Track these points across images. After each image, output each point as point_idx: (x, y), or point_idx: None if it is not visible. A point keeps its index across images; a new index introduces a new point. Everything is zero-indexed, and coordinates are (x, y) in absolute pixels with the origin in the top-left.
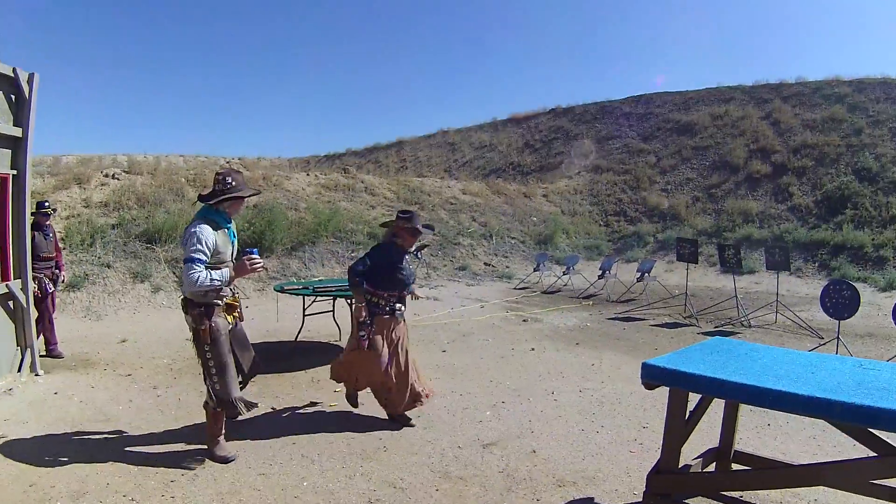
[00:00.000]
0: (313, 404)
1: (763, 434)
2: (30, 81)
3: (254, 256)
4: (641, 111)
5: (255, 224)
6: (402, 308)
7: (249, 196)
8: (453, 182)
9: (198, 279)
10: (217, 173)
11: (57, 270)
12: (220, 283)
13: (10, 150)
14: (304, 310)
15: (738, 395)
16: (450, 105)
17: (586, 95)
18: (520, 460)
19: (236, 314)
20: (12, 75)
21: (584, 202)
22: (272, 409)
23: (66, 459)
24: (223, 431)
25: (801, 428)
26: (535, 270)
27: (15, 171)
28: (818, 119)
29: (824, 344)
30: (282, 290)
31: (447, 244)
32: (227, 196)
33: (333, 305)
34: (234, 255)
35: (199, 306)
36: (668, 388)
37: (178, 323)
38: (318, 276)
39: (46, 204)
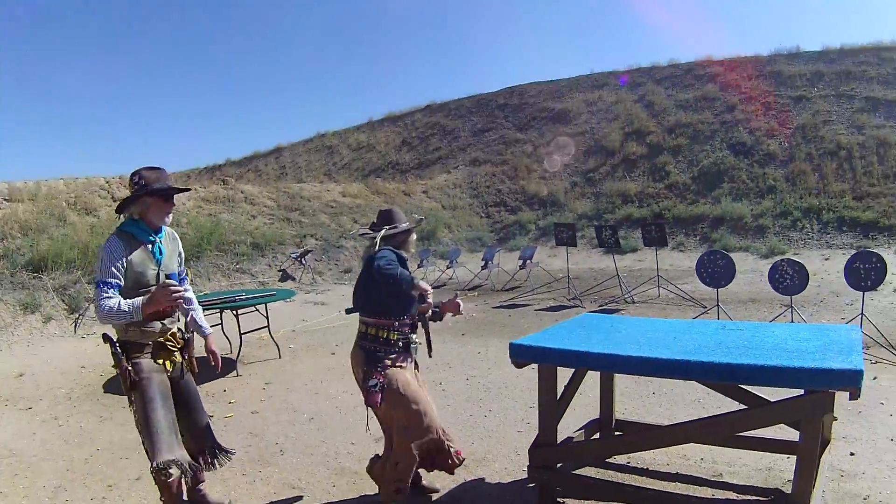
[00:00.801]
0: (210, 417)
1: (648, 402)
2: None
3: (171, 283)
4: (516, 102)
5: None
6: (416, 339)
7: (168, 193)
8: (332, 185)
9: (104, 307)
10: (132, 174)
11: None
12: (126, 314)
13: None
14: None
15: (601, 364)
16: (327, 107)
17: (461, 90)
18: None
19: (177, 360)
20: None
21: (464, 195)
22: None
23: None
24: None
25: (685, 393)
26: (419, 267)
27: None
28: (691, 99)
29: (706, 312)
30: None
31: (330, 248)
32: (136, 196)
33: (221, 318)
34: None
35: (115, 343)
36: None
37: (72, 351)
38: (204, 291)
39: None
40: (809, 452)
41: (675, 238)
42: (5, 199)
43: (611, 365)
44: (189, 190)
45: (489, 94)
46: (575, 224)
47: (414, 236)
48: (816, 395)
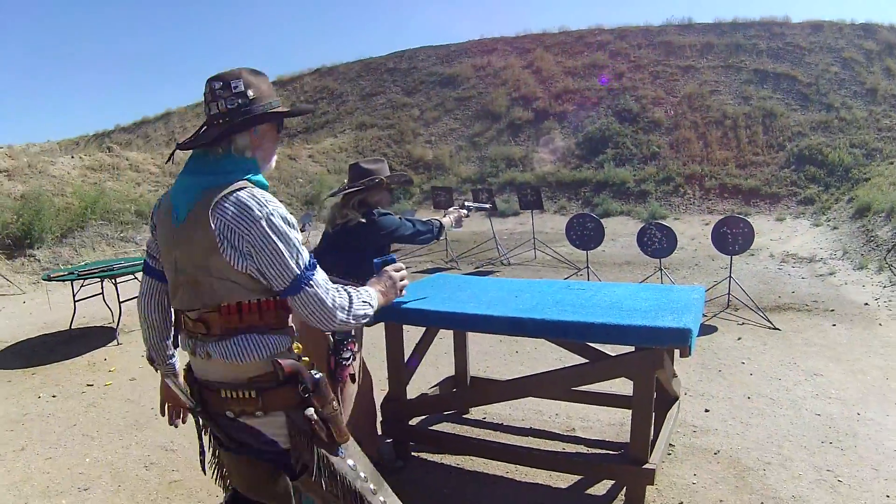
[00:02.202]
0: (89, 386)
1: (510, 360)
2: None
3: (400, 267)
4: (405, 66)
5: (23, 216)
6: None
7: (291, 114)
8: None
9: (346, 303)
10: (210, 81)
11: None
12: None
13: None
14: (73, 296)
15: (442, 322)
16: (216, 70)
17: (352, 54)
18: None
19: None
20: None
21: (350, 159)
22: (53, 396)
23: None
24: None
25: (548, 352)
26: (302, 230)
27: None
28: (580, 66)
29: (578, 273)
30: (49, 279)
31: None
32: (250, 117)
33: (102, 288)
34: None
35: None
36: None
37: None
38: (88, 261)
39: None
40: (643, 406)
41: (558, 202)
42: None
43: (451, 322)
44: (312, 111)
45: (379, 57)
46: (452, 188)
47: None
48: (646, 351)
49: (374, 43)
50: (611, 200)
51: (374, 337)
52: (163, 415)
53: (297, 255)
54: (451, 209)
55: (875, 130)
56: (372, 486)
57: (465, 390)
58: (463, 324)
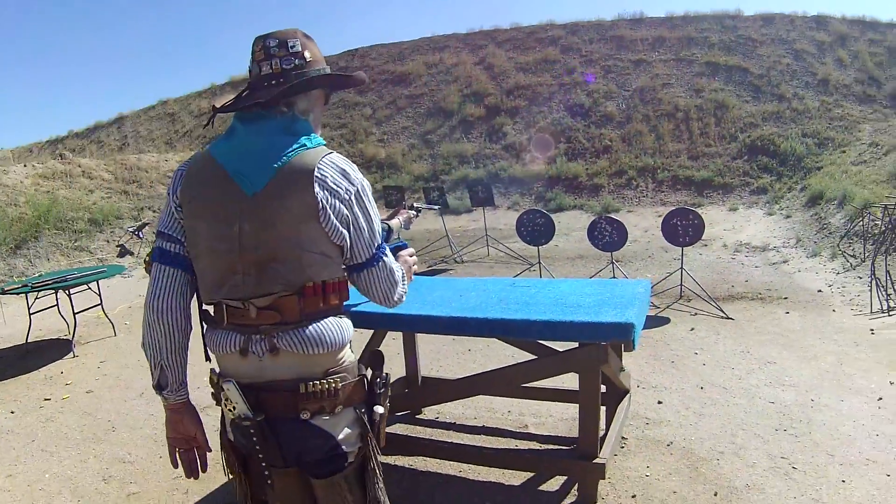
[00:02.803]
0: (47, 400)
1: (463, 359)
2: None
3: (413, 252)
4: (357, 65)
5: None
6: None
7: (352, 82)
8: (170, 154)
9: (400, 288)
10: (262, 38)
11: None
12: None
13: None
14: (28, 309)
15: (384, 324)
16: (169, 74)
17: None
18: None
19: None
20: None
21: None
22: (11, 412)
23: None
24: None
25: (500, 350)
26: None
27: None
28: (531, 61)
29: (531, 268)
30: (3, 293)
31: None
32: (314, 77)
33: (57, 299)
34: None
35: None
36: None
37: None
38: (43, 272)
39: None
40: (589, 401)
41: (511, 198)
42: None
43: (394, 324)
44: (364, 82)
45: (330, 56)
46: (404, 186)
47: None
48: (589, 347)
49: (326, 42)
50: (564, 195)
51: None
52: (174, 465)
53: (380, 226)
54: (400, 210)
55: (827, 120)
56: (384, 498)
57: (415, 391)
58: (406, 325)
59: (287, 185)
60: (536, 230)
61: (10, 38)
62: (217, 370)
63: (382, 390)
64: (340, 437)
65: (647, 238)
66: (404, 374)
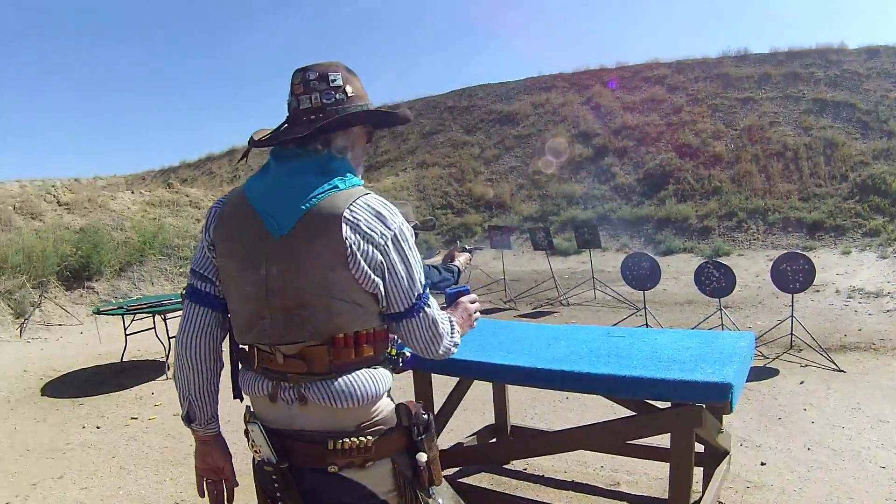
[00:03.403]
0: (133, 419)
1: (560, 407)
2: None
3: (475, 298)
4: (465, 104)
5: (81, 248)
6: None
7: (394, 121)
8: None
9: (451, 339)
10: (302, 71)
11: None
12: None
13: None
14: (125, 330)
15: (467, 371)
16: (280, 110)
17: (410, 92)
18: None
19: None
20: None
21: (411, 198)
22: (97, 427)
23: None
24: None
25: (600, 399)
26: None
27: None
28: (638, 101)
29: (637, 313)
30: (98, 313)
31: None
32: (354, 114)
33: (154, 322)
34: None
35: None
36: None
37: (15, 356)
38: (146, 295)
39: None
40: (680, 466)
41: (620, 240)
42: None
43: (477, 372)
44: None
45: (439, 95)
46: (509, 226)
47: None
48: (682, 407)
49: (434, 81)
50: (673, 237)
51: (402, 385)
52: (201, 494)
53: (421, 272)
54: (455, 252)
55: None
56: None
57: (503, 441)
58: (489, 374)
59: (314, 229)
60: (642, 274)
61: (130, 69)
62: (251, 409)
63: (423, 437)
64: (371, 486)
65: (758, 283)
66: (493, 422)
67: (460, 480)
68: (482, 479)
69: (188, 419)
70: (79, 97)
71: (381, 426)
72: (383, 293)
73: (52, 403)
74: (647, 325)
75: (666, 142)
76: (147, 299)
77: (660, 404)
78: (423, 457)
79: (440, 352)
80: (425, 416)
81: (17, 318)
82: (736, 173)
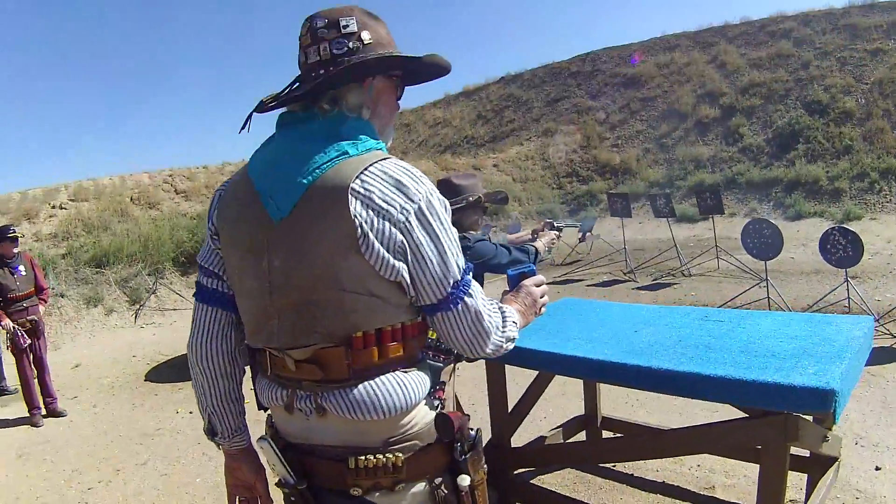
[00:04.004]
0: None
1: (644, 396)
2: None
3: (541, 280)
4: (588, 69)
5: (196, 235)
6: None
7: (424, 66)
8: None
9: (496, 323)
10: (309, 19)
11: (34, 317)
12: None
13: None
14: None
15: (533, 361)
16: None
17: (535, 59)
18: None
19: None
20: None
21: (536, 167)
22: (190, 412)
23: (4, 479)
24: None
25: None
26: None
27: None
28: (765, 57)
29: (760, 285)
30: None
31: None
32: (366, 61)
33: None
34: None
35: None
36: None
37: (129, 341)
38: None
39: (12, 229)
40: (769, 485)
41: (748, 204)
42: (70, 200)
43: (545, 363)
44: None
45: (562, 62)
46: (628, 193)
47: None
48: (771, 417)
49: (557, 47)
50: (803, 200)
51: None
52: None
53: (458, 253)
54: (541, 231)
55: None
56: None
57: (592, 434)
58: (558, 366)
59: (317, 207)
60: (764, 242)
61: (250, 52)
62: (272, 419)
63: (467, 456)
64: None
65: (890, 250)
66: (583, 413)
67: (541, 477)
68: (565, 476)
69: (210, 432)
70: (217, 87)
71: (416, 441)
72: (409, 281)
73: (153, 388)
74: (768, 298)
75: (794, 99)
76: None
77: None
78: (465, 480)
79: (488, 350)
80: (473, 432)
81: (133, 304)
82: (867, 131)
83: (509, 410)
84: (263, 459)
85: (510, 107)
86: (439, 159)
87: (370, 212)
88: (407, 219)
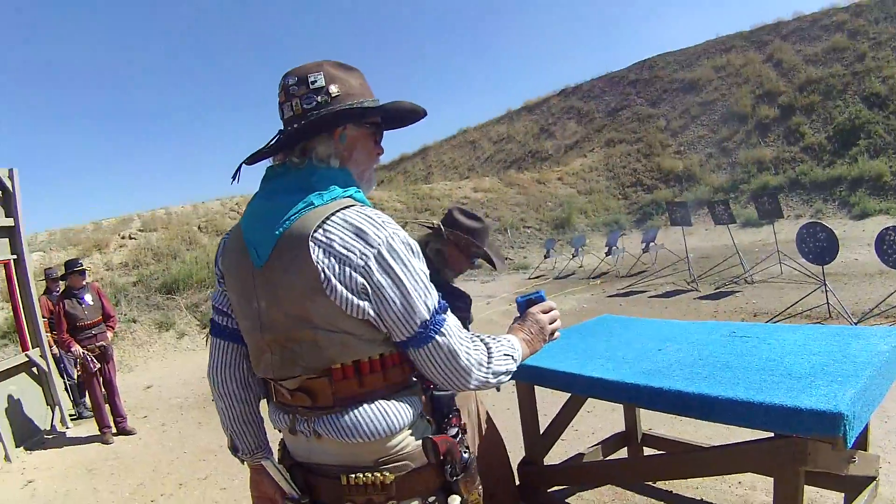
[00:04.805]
0: None
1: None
2: (10, 176)
3: (551, 307)
4: (647, 76)
5: None
6: None
7: (383, 111)
8: (464, 182)
9: (477, 359)
10: (286, 76)
11: (102, 343)
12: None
13: (7, 239)
14: None
15: (554, 382)
16: (468, 102)
17: (593, 70)
18: None
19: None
20: None
21: (601, 178)
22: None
23: (75, 492)
24: None
25: None
26: (545, 258)
27: (15, 256)
28: (820, 52)
29: (821, 289)
30: None
31: None
32: (325, 115)
33: None
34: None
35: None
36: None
37: (199, 364)
38: None
39: (79, 263)
40: None
41: (813, 205)
42: (139, 230)
43: (565, 384)
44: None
45: (620, 70)
46: (687, 202)
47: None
48: (779, 440)
49: (614, 55)
50: (867, 198)
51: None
52: None
53: (426, 294)
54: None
55: None
56: None
57: (634, 451)
58: (577, 386)
59: (286, 256)
60: (818, 246)
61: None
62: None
63: (459, 477)
64: None
65: None
66: (623, 429)
67: (580, 494)
68: (603, 493)
69: (233, 449)
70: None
71: (407, 462)
72: (378, 320)
73: None
74: (827, 304)
75: (853, 93)
76: None
77: None
78: (455, 500)
79: (470, 386)
80: (466, 455)
81: (203, 328)
82: None
83: (546, 426)
84: (271, 477)
85: (572, 119)
86: (503, 175)
87: (331, 259)
88: (366, 263)
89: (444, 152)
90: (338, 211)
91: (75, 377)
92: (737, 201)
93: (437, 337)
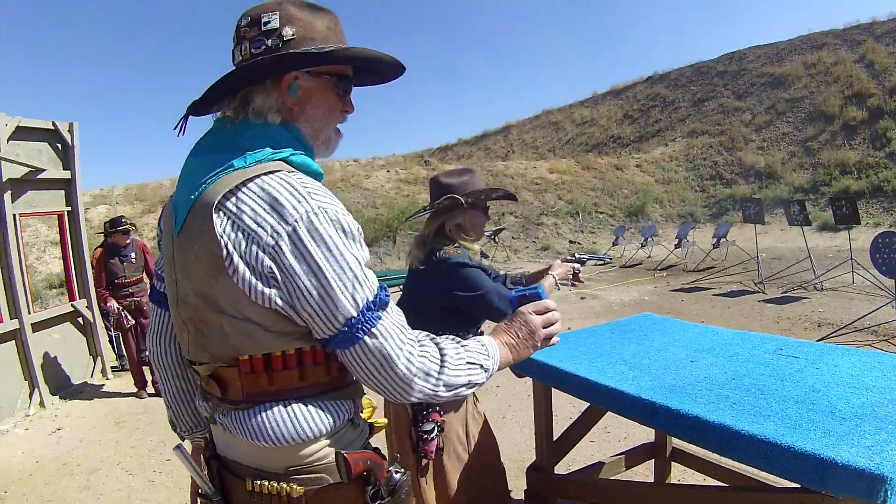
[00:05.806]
0: None
1: None
2: (70, 130)
3: (547, 307)
4: (735, 69)
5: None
6: None
7: (336, 58)
8: (539, 162)
9: (420, 365)
10: (242, 17)
11: (138, 299)
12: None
13: (63, 191)
14: None
15: (567, 385)
16: (553, 83)
17: (681, 59)
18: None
19: None
20: (53, 128)
21: (680, 168)
22: None
23: (98, 443)
24: None
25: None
26: (613, 244)
27: (69, 208)
28: None
29: (892, 304)
30: None
31: (530, 225)
32: (261, 61)
33: None
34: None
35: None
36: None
37: None
38: (392, 269)
39: (123, 220)
40: None
41: (894, 214)
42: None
43: (580, 390)
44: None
45: (709, 61)
46: (761, 199)
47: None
48: (810, 494)
49: (705, 44)
50: None
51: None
52: None
53: (354, 285)
54: (557, 263)
55: None
56: None
57: (662, 467)
58: (589, 394)
59: (195, 224)
60: (894, 258)
61: (418, 51)
62: None
63: (384, 501)
64: None
65: None
66: (653, 440)
67: None
68: None
69: (172, 424)
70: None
71: (323, 475)
72: (292, 311)
73: None
74: None
75: None
76: (391, 273)
77: None
78: None
79: (412, 399)
80: (397, 476)
81: None
82: None
83: (563, 432)
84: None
85: (657, 106)
86: (581, 159)
87: (238, 233)
88: (277, 242)
89: (525, 131)
90: (257, 176)
91: (112, 332)
92: (815, 203)
93: (365, 338)
